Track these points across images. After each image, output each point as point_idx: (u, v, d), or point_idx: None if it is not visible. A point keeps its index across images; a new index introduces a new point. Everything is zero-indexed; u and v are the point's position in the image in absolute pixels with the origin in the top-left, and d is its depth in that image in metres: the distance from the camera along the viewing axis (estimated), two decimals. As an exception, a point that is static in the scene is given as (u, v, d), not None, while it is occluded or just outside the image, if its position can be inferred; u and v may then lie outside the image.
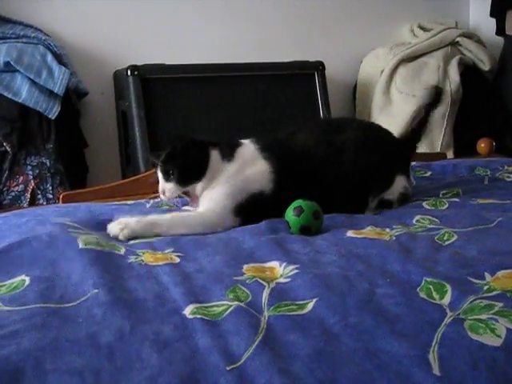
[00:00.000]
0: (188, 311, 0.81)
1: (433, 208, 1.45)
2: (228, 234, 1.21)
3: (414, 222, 1.29)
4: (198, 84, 2.42)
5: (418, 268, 0.94)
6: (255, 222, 1.25)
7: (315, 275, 0.91)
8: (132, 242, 1.14)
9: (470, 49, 3.03)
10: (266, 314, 0.80)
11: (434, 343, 0.69)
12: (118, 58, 2.48)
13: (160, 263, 1.00)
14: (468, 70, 2.99)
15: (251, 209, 1.29)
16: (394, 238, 1.14)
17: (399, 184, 1.49)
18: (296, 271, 0.94)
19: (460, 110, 2.89)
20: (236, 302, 0.82)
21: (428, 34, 3.06)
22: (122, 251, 1.06)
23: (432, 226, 1.24)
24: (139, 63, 2.33)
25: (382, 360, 0.66)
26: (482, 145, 2.31)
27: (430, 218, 1.31)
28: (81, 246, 1.04)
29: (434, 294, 0.84)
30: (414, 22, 3.16)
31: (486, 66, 3.01)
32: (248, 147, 1.37)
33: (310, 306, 0.82)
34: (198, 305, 0.82)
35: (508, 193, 1.56)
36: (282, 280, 0.92)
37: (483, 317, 0.75)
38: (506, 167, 1.85)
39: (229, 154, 1.33)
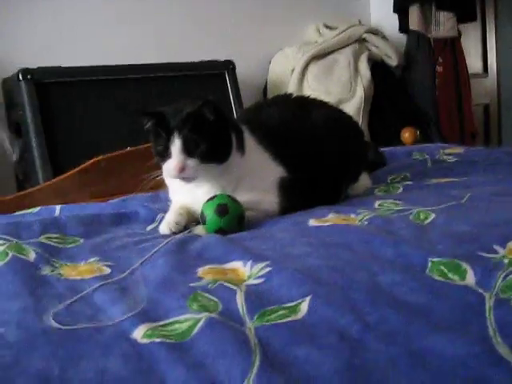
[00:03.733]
0: (139, 334, 0.57)
1: (386, 194, 1.30)
2: (162, 237, 0.98)
3: (376, 206, 1.13)
4: (99, 87, 2.13)
5: (414, 249, 0.76)
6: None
7: (296, 270, 0.71)
8: (42, 238, 0.89)
9: (377, 45, 3.01)
10: (250, 325, 0.58)
11: (491, 334, 0.51)
12: (6, 64, 2.14)
13: (86, 277, 0.75)
14: (377, 66, 2.97)
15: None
16: (367, 223, 0.97)
17: (364, 181, 1.34)
18: (269, 269, 0.73)
19: (373, 105, 2.85)
20: (205, 314, 0.60)
21: (334, 32, 3.01)
22: (31, 256, 0.80)
23: (400, 208, 1.08)
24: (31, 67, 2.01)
25: (437, 365, 0.47)
26: (407, 134, 2.23)
27: (392, 201, 1.15)
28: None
29: (451, 275, 0.66)
30: (319, 22, 3.11)
31: (393, 61, 3.00)
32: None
33: (303, 307, 0.61)
34: (151, 324, 0.59)
35: (459, 171, 1.45)
36: (253, 281, 0.71)
37: (531, 293, 0.58)
38: (441, 150, 1.76)
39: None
